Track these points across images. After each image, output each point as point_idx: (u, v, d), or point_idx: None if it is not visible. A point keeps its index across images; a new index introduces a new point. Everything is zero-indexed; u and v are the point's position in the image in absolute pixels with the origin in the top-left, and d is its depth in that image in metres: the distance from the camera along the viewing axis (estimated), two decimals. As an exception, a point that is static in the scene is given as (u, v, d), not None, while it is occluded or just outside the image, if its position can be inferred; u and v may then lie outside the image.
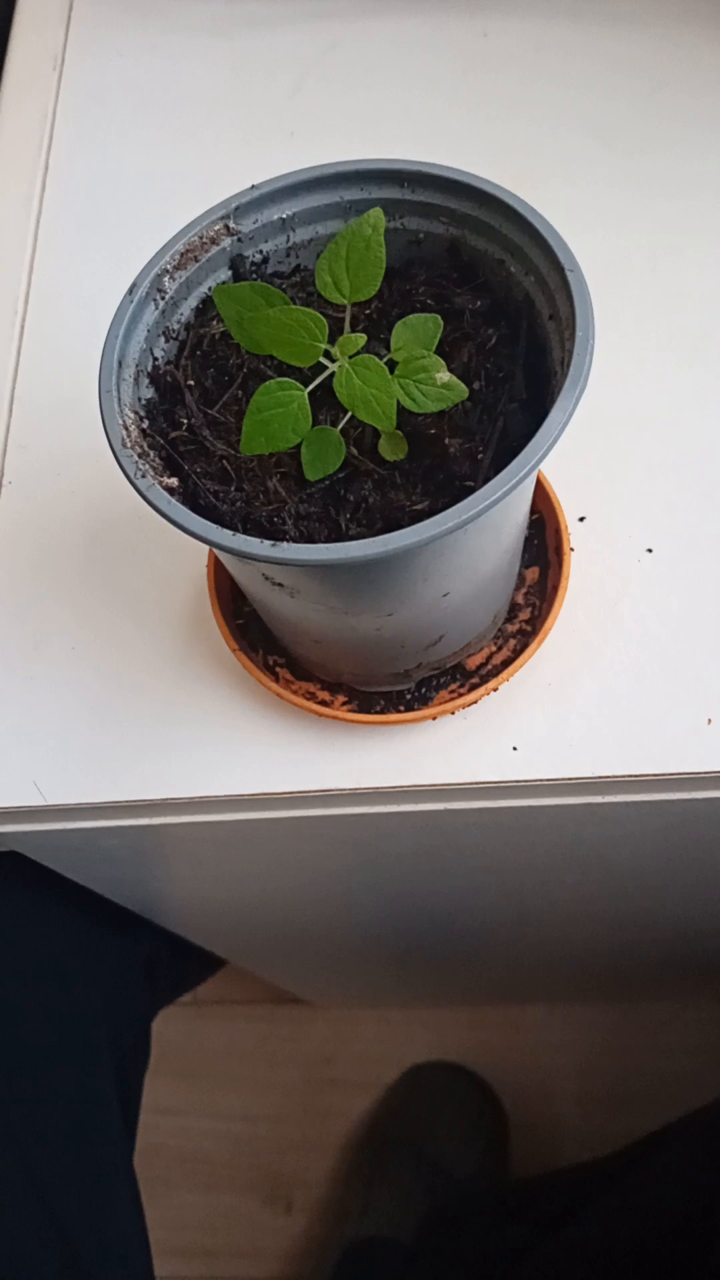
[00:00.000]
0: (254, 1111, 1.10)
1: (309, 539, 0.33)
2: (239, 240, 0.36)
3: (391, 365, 0.33)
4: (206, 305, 0.36)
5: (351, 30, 0.60)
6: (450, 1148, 1.01)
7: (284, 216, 0.36)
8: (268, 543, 0.30)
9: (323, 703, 0.43)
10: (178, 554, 0.47)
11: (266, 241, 0.37)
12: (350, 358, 0.32)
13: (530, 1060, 1.08)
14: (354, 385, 0.32)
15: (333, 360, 0.33)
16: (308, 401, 0.32)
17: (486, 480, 0.32)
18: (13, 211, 0.56)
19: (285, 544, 0.30)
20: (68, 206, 0.56)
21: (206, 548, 0.45)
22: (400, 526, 0.33)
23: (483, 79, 0.58)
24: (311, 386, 0.33)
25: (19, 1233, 0.55)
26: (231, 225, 0.36)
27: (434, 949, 0.80)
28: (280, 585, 0.34)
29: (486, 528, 0.34)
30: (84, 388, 0.51)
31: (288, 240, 0.37)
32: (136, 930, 0.69)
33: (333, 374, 0.33)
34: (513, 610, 0.44)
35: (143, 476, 0.32)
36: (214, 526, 0.31)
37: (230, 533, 0.31)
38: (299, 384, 0.32)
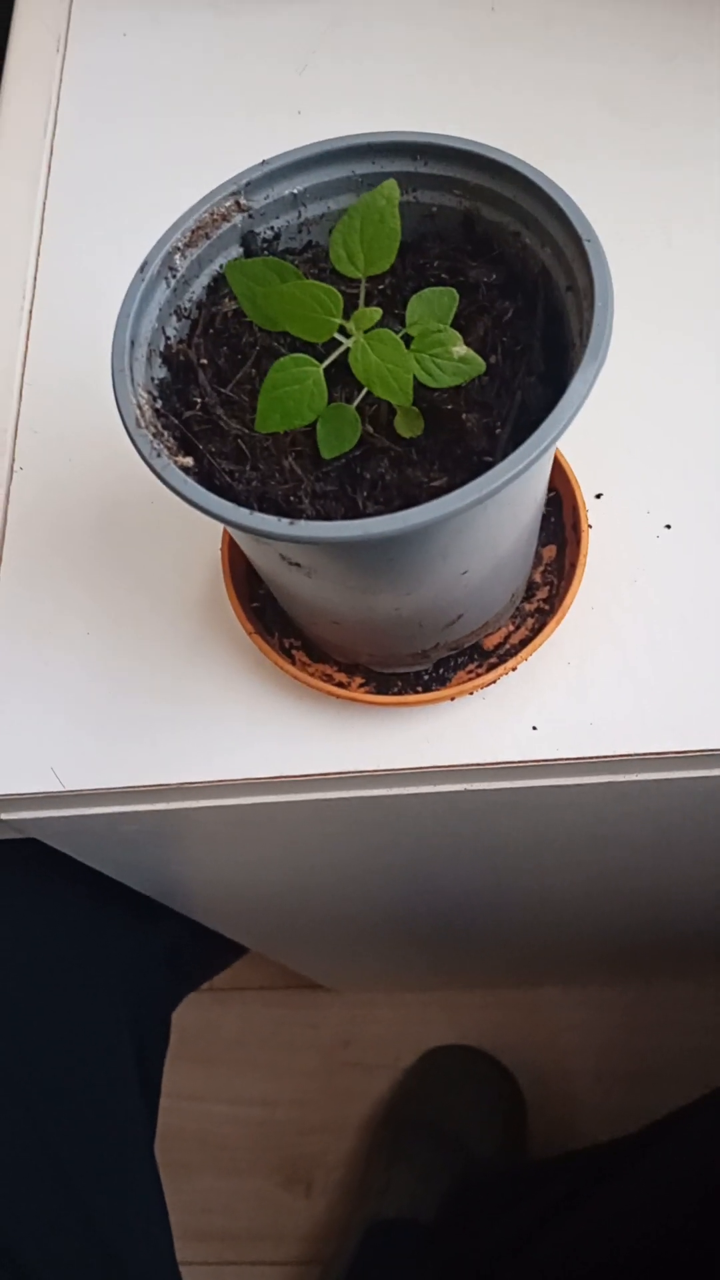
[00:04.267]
0: (273, 1095, 1.10)
1: (326, 517, 0.33)
2: (250, 216, 0.36)
3: (407, 340, 0.32)
4: (218, 283, 0.36)
5: (357, 6, 0.59)
6: (468, 1128, 1.01)
7: (295, 192, 0.36)
8: (285, 521, 0.30)
9: (340, 684, 0.43)
10: (192, 536, 0.47)
11: (278, 217, 0.36)
12: (366, 332, 0.32)
13: (547, 1041, 1.08)
14: (370, 360, 0.32)
15: (347, 335, 0.32)
16: (323, 377, 0.32)
17: (505, 455, 0.31)
18: (18, 194, 0.55)
19: (303, 522, 0.30)
20: (73, 188, 0.56)
21: (220, 530, 0.44)
22: (418, 503, 0.32)
23: (492, 53, 0.57)
24: (327, 362, 0.32)
25: (43, 1217, 0.55)
26: (242, 201, 0.35)
27: (453, 930, 0.79)
28: (297, 565, 0.34)
29: (506, 503, 0.33)
30: (94, 370, 0.51)
31: (299, 216, 0.37)
32: (157, 918, 0.69)
33: (348, 350, 0.32)
34: (530, 589, 0.43)
35: (158, 456, 0.31)
36: (231, 505, 0.30)
37: (248, 511, 0.30)
38: (314, 360, 0.32)
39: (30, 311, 0.52)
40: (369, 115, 0.56)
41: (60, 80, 0.58)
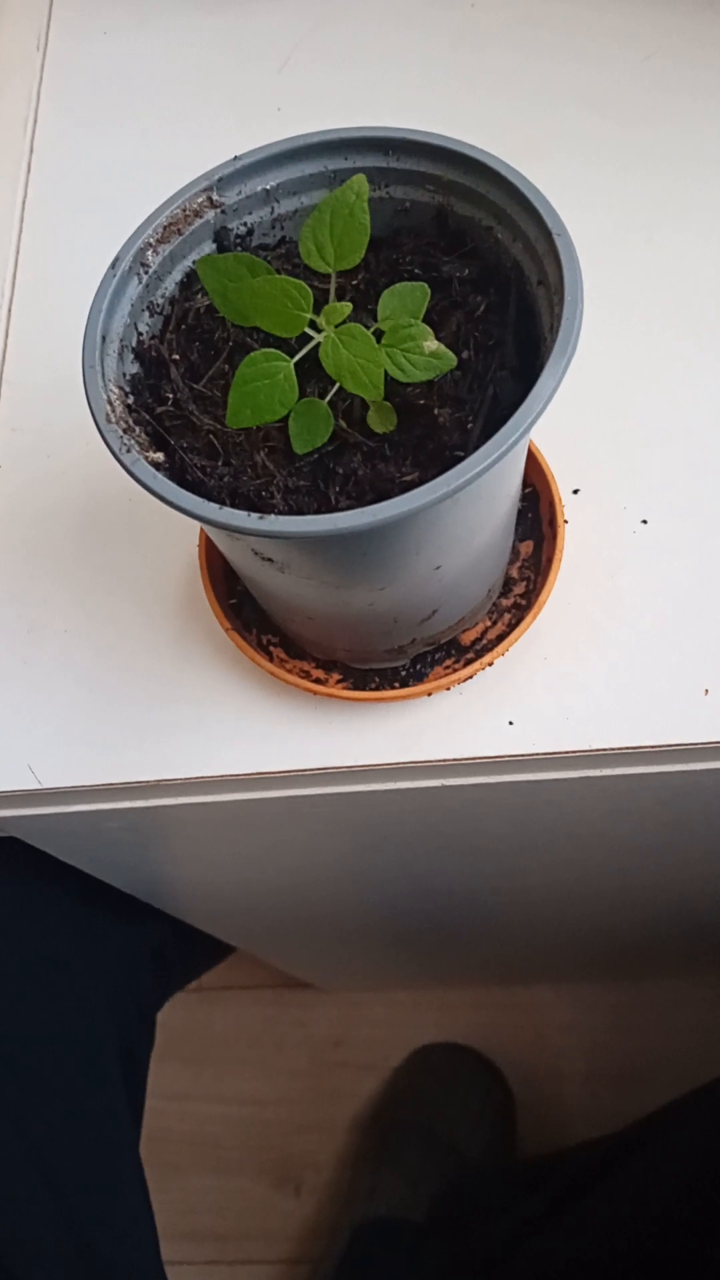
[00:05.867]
0: (263, 1095, 1.10)
1: (298, 513, 0.33)
2: (223, 212, 0.36)
3: (379, 335, 0.32)
4: (191, 279, 0.36)
5: (339, 6, 0.59)
6: (459, 1128, 1.01)
7: (268, 187, 0.36)
8: (254, 515, 0.30)
9: (317, 681, 0.43)
10: (171, 534, 0.47)
11: (251, 213, 0.36)
12: (336, 327, 0.32)
13: (537, 1040, 1.08)
14: (340, 355, 0.32)
15: (318, 330, 0.32)
16: (294, 372, 0.32)
17: (477, 449, 0.32)
18: (-1, 192, 0.55)
19: (272, 517, 0.30)
20: (54, 187, 0.56)
21: (198, 527, 0.44)
22: (389, 497, 0.32)
23: (473, 53, 0.57)
24: (298, 357, 0.32)
25: (28, 1218, 0.55)
26: (214, 197, 0.35)
27: (439, 929, 0.79)
28: (270, 560, 0.34)
29: (478, 497, 0.33)
30: (74, 368, 0.51)
31: (272, 212, 0.37)
32: (142, 917, 0.69)
33: (319, 344, 0.32)
34: (507, 584, 0.43)
35: (128, 451, 0.31)
36: (200, 500, 0.30)
37: (217, 506, 0.30)
38: (285, 355, 0.32)
39: (10, 310, 0.52)
40: (350, 115, 0.55)
41: (41, 78, 0.58)
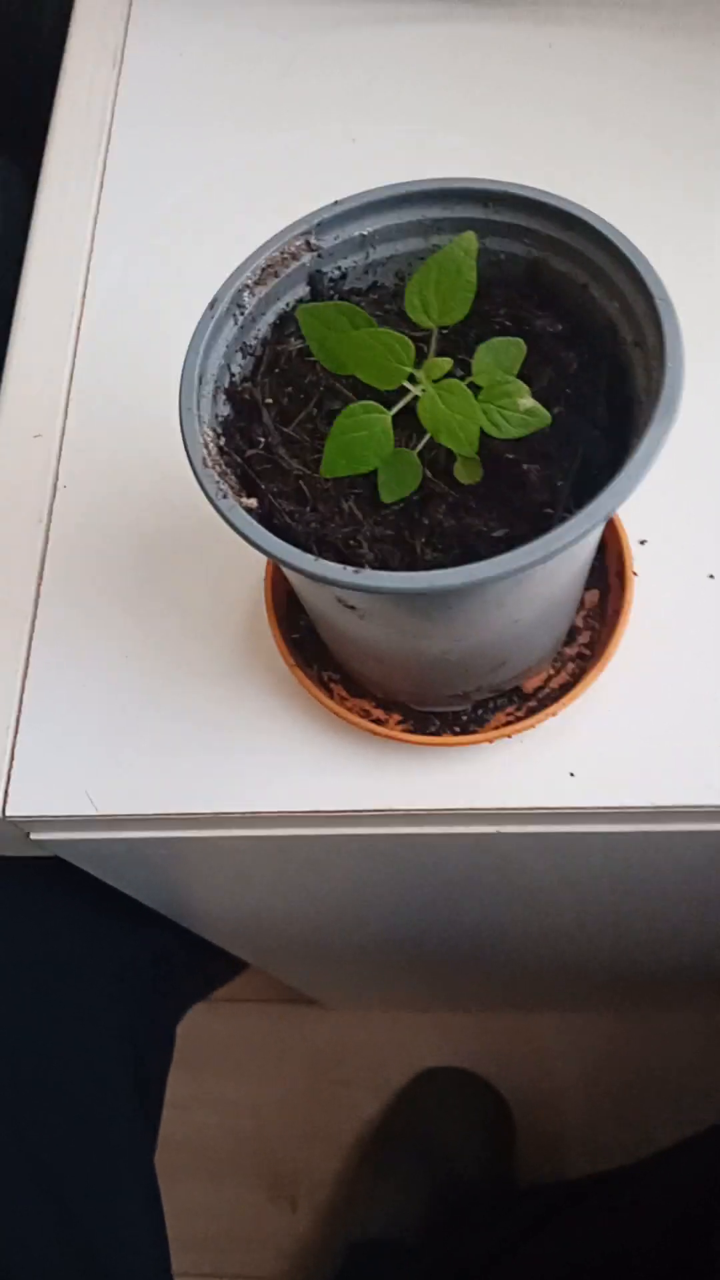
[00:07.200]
0: (262, 1107, 1.10)
1: (384, 562, 0.33)
2: (319, 256, 0.36)
3: (474, 389, 0.32)
4: (284, 321, 0.36)
5: (416, 34, 0.59)
6: (457, 1151, 1.01)
7: (364, 233, 0.36)
8: (350, 569, 0.30)
9: (377, 720, 0.43)
10: (233, 564, 0.47)
11: (345, 258, 0.36)
12: (435, 382, 0.32)
13: (539, 1068, 1.08)
14: (439, 410, 0.32)
15: (416, 383, 0.32)
16: (390, 425, 0.32)
17: (567, 508, 0.32)
18: (71, 212, 0.55)
19: (368, 571, 0.30)
20: (126, 207, 0.55)
21: (264, 559, 0.44)
22: (476, 551, 0.33)
23: (547, 80, 0.57)
24: (395, 410, 0.32)
25: (29, 1224, 0.55)
26: (313, 241, 0.35)
27: (459, 958, 0.79)
28: (352, 608, 0.34)
29: (565, 557, 0.33)
30: (138, 392, 0.51)
31: (366, 257, 0.37)
32: (148, 923, 0.68)
33: (415, 397, 0.32)
34: (571, 633, 0.43)
35: (224, 497, 0.31)
36: (297, 551, 0.30)
37: (313, 558, 0.30)
38: (382, 407, 0.32)
39: (78, 331, 0.52)
40: (420, 146, 0.56)
41: (115, 97, 0.58)
